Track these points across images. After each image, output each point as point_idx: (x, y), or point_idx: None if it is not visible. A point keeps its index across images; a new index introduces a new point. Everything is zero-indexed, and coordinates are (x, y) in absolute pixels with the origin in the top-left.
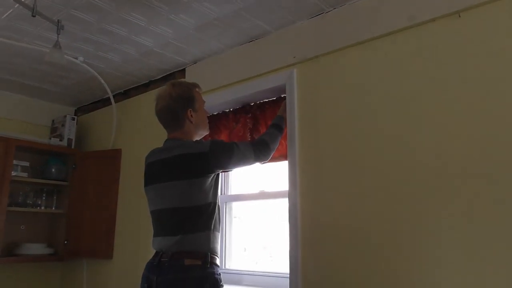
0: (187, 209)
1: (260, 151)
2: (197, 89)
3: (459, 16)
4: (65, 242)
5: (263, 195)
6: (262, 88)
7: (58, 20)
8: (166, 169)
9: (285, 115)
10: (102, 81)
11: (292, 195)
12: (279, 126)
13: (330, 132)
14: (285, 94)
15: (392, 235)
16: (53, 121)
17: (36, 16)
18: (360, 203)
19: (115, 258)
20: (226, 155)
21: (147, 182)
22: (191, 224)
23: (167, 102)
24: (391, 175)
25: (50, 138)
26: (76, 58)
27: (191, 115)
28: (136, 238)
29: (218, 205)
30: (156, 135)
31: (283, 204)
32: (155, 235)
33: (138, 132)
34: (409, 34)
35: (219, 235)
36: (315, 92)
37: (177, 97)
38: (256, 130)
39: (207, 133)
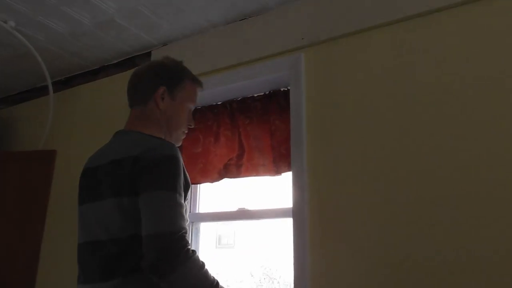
0: (109, 243)
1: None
2: (196, 86)
3: None
4: None
5: (243, 214)
6: (255, 78)
7: None
8: (94, 183)
9: None
10: (40, 59)
11: (298, 207)
12: None
13: (345, 131)
14: (288, 87)
15: (414, 244)
16: None
17: None
18: (385, 213)
19: None
20: (154, 181)
21: (79, 200)
22: (118, 265)
23: (142, 69)
24: (419, 179)
25: None
26: (6, 22)
27: (162, 97)
28: (70, 267)
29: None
30: (102, 136)
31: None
32: (79, 281)
33: (79, 131)
34: (433, 18)
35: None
36: (327, 82)
37: (156, 67)
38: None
39: (179, 143)
